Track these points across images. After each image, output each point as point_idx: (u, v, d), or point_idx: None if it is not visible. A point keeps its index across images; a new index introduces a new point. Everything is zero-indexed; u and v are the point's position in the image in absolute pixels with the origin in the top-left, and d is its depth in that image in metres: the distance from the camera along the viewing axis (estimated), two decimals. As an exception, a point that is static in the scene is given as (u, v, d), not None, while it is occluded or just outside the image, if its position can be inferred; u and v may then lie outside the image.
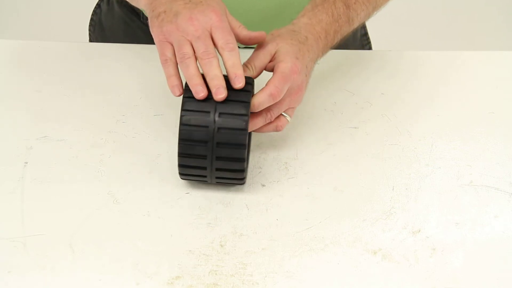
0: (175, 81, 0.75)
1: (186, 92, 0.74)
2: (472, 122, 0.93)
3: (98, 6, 1.17)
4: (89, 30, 1.19)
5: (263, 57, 0.79)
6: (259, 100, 0.75)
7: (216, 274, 0.70)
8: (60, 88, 0.97)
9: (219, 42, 0.74)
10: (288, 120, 0.80)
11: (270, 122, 0.79)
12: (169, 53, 0.75)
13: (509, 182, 0.83)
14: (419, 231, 0.76)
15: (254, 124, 0.78)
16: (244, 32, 0.78)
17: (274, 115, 0.78)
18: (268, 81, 0.76)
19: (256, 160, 0.85)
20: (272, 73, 0.78)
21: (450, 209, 0.79)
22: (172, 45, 0.75)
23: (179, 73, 0.75)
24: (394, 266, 0.72)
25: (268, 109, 0.78)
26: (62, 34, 2.17)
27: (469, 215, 0.78)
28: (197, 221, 0.77)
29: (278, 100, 0.76)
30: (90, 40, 1.20)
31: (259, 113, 0.77)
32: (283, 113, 0.80)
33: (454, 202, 0.80)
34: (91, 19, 1.18)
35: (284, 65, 0.77)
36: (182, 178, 0.78)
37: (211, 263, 0.71)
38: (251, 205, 0.79)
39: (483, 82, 1.01)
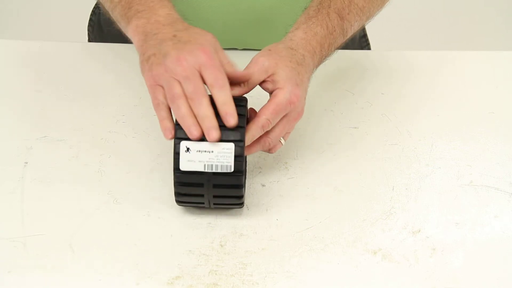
0: (168, 124, 0.73)
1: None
2: (472, 122, 0.93)
3: (96, 6, 1.17)
4: (88, 30, 1.19)
5: (258, 74, 0.76)
6: (252, 134, 0.74)
7: (216, 274, 0.70)
8: (60, 88, 0.97)
9: (208, 80, 0.71)
10: (282, 143, 0.79)
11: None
12: (161, 97, 0.73)
13: (509, 182, 0.83)
14: (419, 231, 0.76)
15: (250, 150, 0.76)
16: (229, 69, 0.74)
17: (273, 142, 0.77)
18: (261, 109, 0.75)
19: (256, 160, 0.85)
20: (266, 92, 0.76)
21: (450, 209, 0.79)
22: (163, 87, 0.73)
23: (171, 116, 0.73)
24: (394, 266, 0.72)
25: (267, 136, 0.76)
26: (61, 34, 2.17)
27: (469, 215, 0.78)
28: (197, 221, 0.77)
29: (268, 129, 0.75)
30: (89, 40, 1.20)
31: (257, 140, 0.76)
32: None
33: (454, 202, 0.80)
34: (90, 19, 1.18)
35: (282, 94, 0.75)
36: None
37: (211, 263, 0.71)
38: (251, 205, 0.79)
39: (483, 82, 1.01)
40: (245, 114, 0.73)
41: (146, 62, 0.74)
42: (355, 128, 0.91)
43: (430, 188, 0.82)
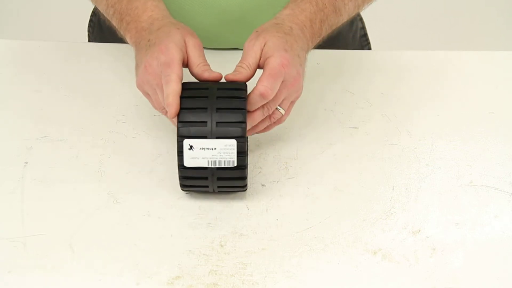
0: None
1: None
2: (472, 122, 0.93)
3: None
4: (88, 30, 1.19)
5: (254, 54, 0.78)
6: (250, 102, 0.76)
7: (216, 274, 0.70)
8: (60, 88, 0.97)
9: (162, 78, 0.76)
10: (282, 112, 0.80)
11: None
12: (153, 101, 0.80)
13: (509, 182, 0.83)
14: (419, 231, 0.76)
15: (253, 119, 0.78)
16: (196, 71, 0.78)
17: (272, 108, 0.78)
18: (258, 79, 0.76)
19: (256, 160, 0.85)
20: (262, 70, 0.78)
21: (450, 209, 0.79)
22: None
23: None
24: (394, 266, 0.72)
25: (265, 103, 0.77)
26: (61, 34, 2.17)
27: (469, 215, 0.78)
28: (197, 221, 0.77)
29: (271, 98, 0.76)
30: (89, 40, 1.19)
31: (259, 108, 0.77)
32: (277, 107, 0.80)
33: (454, 202, 0.80)
34: (90, 20, 1.18)
35: (273, 60, 0.76)
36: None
37: (211, 263, 0.71)
38: (251, 205, 0.79)
39: (483, 82, 1.01)
40: (246, 97, 0.75)
41: (135, 72, 0.80)
42: (355, 128, 0.91)
43: (430, 188, 0.82)
